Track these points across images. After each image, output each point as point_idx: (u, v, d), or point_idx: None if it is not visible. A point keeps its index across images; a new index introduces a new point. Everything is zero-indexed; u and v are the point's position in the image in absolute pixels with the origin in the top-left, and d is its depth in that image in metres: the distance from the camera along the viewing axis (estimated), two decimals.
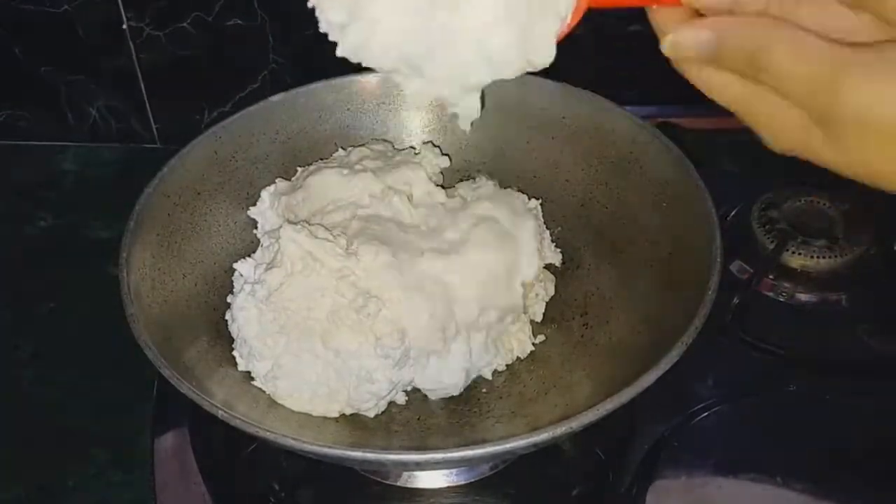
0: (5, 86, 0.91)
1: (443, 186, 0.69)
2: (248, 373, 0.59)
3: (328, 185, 0.65)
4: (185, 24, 0.85)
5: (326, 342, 0.57)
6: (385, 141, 0.72)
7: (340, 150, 0.70)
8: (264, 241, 0.64)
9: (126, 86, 0.89)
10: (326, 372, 0.57)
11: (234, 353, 0.60)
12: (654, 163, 0.63)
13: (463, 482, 0.59)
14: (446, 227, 0.63)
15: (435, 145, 0.71)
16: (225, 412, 0.49)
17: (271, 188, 0.68)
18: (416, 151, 0.70)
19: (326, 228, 0.60)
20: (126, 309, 0.54)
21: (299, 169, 0.69)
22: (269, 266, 0.59)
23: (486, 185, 0.68)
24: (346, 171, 0.65)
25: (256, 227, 0.67)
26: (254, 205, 0.68)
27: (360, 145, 0.70)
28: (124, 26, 0.85)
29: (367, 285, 0.58)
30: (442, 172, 0.70)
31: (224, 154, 0.67)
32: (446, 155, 0.71)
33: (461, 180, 0.71)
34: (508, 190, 0.68)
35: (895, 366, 0.63)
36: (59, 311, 0.77)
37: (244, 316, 0.59)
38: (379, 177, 0.65)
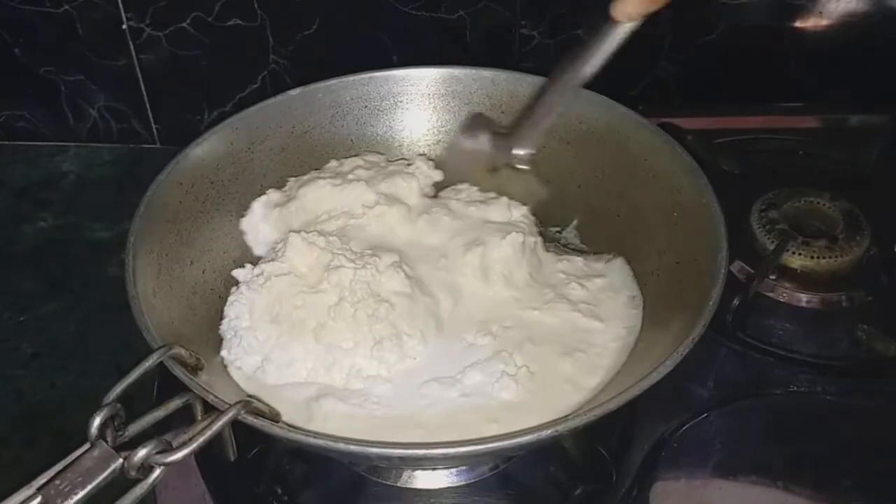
0: (5, 86, 0.91)
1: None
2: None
3: (321, 196, 0.65)
4: (185, 24, 0.85)
5: (319, 337, 0.57)
6: (378, 153, 0.72)
7: (333, 161, 0.70)
8: (268, 255, 0.64)
9: (126, 86, 0.89)
10: (315, 367, 0.57)
11: (223, 351, 0.59)
12: (668, 172, 0.62)
13: (463, 482, 0.59)
14: (447, 237, 0.64)
15: (430, 158, 0.71)
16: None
17: (263, 199, 0.68)
18: (409, 163, 0.71)
19: (335, 236, 0.61)
20: (128, 291, 0.53)
21: (291, 180, 0.69)
22: (271, 260, 0.59)
23: (469, 191, 0.68)
24: (338, 182, 0.66)
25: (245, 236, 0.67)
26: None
27: (352, 156, 0.70)
28: (124, 26, 0.85)
29: (379, 290, 0.58)
30: (434, 185, 0.70)
31: (240, 145, 0.67)
32: (439, 169, 0.71)
33: (444, 187, 0.71)
34: (494, 195, 0.67)
35: (895, 366, 0.63)
36: (59, 311, 0.77)
37: (236, 310, 0.60)
38: (372, 186, 0.65)
